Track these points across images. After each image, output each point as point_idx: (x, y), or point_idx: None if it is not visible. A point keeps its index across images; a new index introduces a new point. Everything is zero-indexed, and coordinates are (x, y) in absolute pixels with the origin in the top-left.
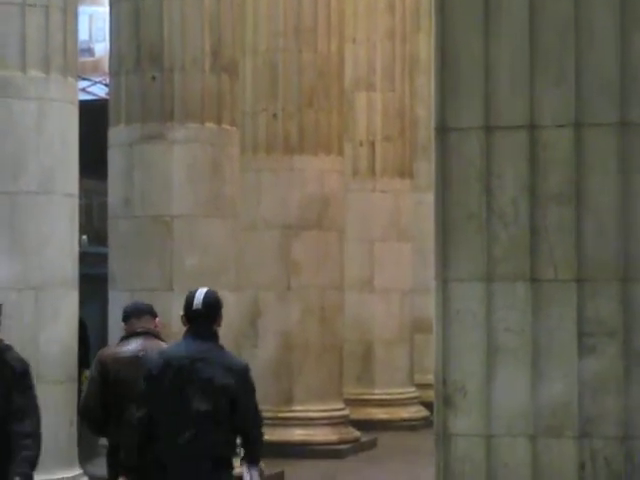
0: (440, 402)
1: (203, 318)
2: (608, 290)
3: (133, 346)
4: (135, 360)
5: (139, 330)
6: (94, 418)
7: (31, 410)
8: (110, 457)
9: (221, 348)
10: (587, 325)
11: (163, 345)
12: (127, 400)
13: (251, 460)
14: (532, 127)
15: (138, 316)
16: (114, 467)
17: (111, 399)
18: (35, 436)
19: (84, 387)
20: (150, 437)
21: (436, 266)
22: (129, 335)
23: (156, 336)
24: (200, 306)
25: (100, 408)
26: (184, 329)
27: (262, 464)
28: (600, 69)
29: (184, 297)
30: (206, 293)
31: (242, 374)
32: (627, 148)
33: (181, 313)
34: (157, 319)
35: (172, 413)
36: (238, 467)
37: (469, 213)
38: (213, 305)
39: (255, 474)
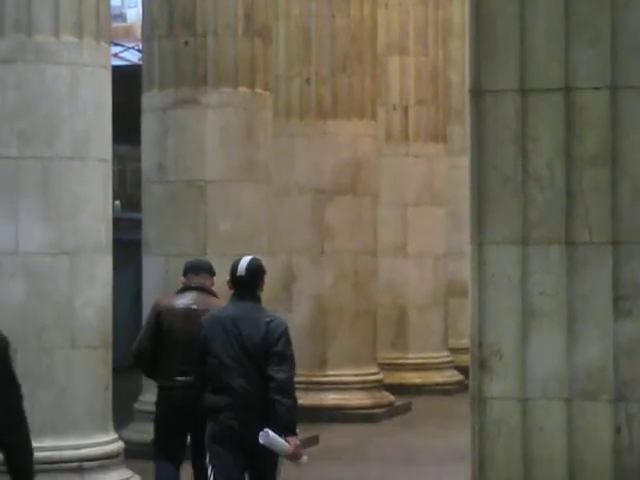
0: (475, 365)
1: (246, 283)
2: None
3: (186, 299)
4: (187, 312)
5: (194, 285)
6: (146, 359)
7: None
8: (159, 397)
9: (262, 309)
10: (622, 288)
11: (214, 300)
12: (177, 346)
13: (284, 427)
14: (567, 89)
15: (196, 272)
16: (161, 406)
17: (162, 345)
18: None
19: None
20: (205, 388)
21: (471, 229)
22: (185, 288)
23: (209, 292)
24: (243, 273)
25: (152, 351)
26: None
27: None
28: (636, 31)
29: (218, 261)
30: (249, 261)
31: (279, 328)
32: None
33: (228, 279)
34: (214, 277)
35: (222, 366)
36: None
37: (505, 176)
38: (255, 272)
39: (271, 435)
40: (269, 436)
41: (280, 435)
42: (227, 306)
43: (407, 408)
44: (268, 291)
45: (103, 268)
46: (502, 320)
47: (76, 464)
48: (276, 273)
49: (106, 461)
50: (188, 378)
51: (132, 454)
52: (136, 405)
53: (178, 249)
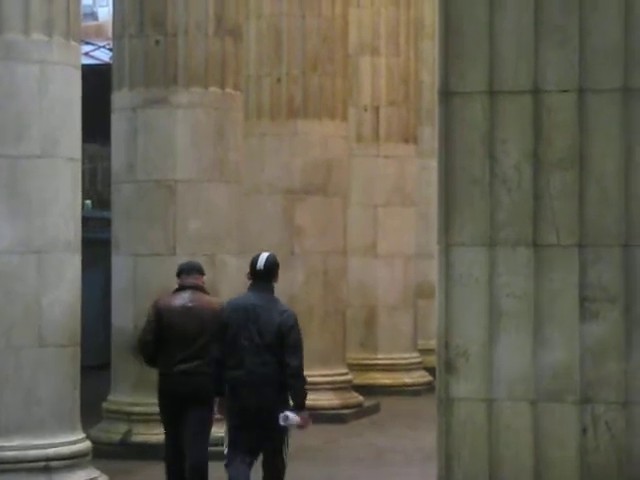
0: (442, 366)
1: (263, 276)
2: (610, 255)
3: (183, 298)
4: (184, 309)
5: (188, 285)
6: (148, 350)
7: None
8: (160, 383)
9: (275, 299)
10: (589, 290)
11: (207, 297)
12: (176, 340)
13: (297, 402)
14: (536, 92)
15: (188, 272)
16: (162, 390)
17: (162, 339)
18: None
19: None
20: (223, 366)
21: (439, 231)
22: (180, 288)
23: (202, 290)
24: (262, 267)
25: (153, 344)
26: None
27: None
28: (604, 35)
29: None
30: (267, 257)
31: (289, 318)
32: (630, 114)
33: (247, 271)
34: (204, 277)
35: (240, 347)
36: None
37: (472, 178)
38: (271, 266)
39: (296, 417)
40: (288, 418)
41: (293, 411)
42: (247, 295)
43: (376, 409)
44: (234, 291)
45: (72, 267)
46: (469, 321)
47: (43, 463)
48: (246, 273)
49: (74, 460)
50: (185, 366)
51: (100, 454)
52: (104, 405)
53: (148, 248)
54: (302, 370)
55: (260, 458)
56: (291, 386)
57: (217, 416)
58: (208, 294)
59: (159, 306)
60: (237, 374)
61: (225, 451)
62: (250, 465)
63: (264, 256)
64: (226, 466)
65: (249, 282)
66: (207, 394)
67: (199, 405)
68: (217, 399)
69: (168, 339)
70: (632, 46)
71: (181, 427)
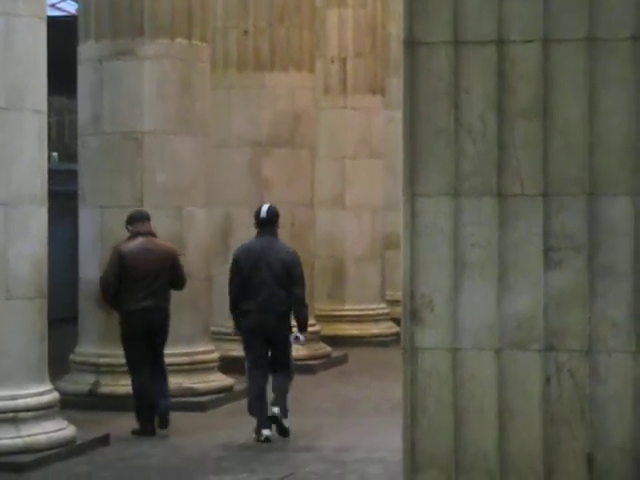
0: (407, 316)
1: (267, 223)
2: (574, 205)
3: (140, 242)
4: (143, 252)
5: (143, 231)
6: (111, 290)
7: None
8: (124, 319)
9: (280, 241)
10: (553, 240)
11: (160, 241)
12: (138, 280)
13: (300, 325)
14: (500, 42)
15: (141, 220)
16: (127, 325)
17: (126, 279)
18: None
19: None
20: (239, 297)
21: (404, 181)
22: (136, 234)
23: (154, 235)
24: (265, 215)
25: (114, 285)
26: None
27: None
28: None
29: (155, 213)
30: (268, 207)
31: (293, 256)
32: (594, 64)
33: (253, 221)
34: (150, 222)
35: (252, 281)
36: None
37: (437, 128)
38: (273, 215)
39: (302, 336)
40: (299, 339)
41: (298, 330)
42: (256, 239)
43: (344, 359)
44: (201, 243)
45: (38, 220)
46: (434, 271)
47: (11, 414)
48: (214, 225)
49: (41, 412)
50: (146, 303)
51: (68, 405)
52: (72, 356)
53: (114, 201)
54: (304, 298)
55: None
56: (297, 311)
57: (235, 337)
58: (157, 237)
59: (120, 250)
60: (252, 303)
61: (245, 365)
62: (265, 373)
63: (266, 207)
64: (248, 374)
65: (256, 230)
66: (167, 329)
67: (162, 340)
68: (235, 323)
69: (131, 279)
70: None
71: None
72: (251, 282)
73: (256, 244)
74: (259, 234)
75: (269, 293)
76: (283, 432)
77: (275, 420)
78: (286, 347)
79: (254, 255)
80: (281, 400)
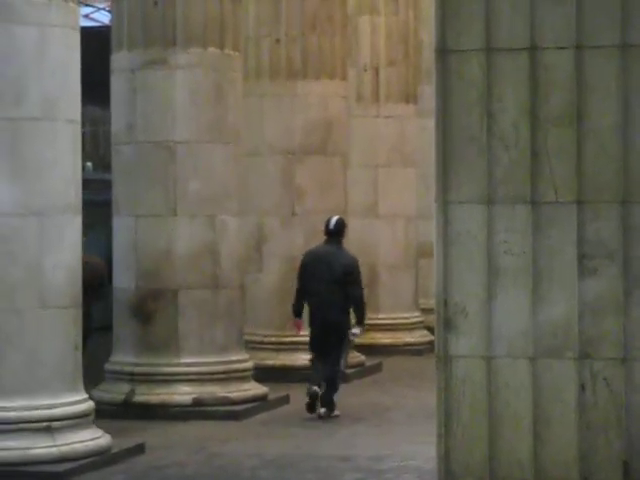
0: (441, 324)
1: (333, 233)
2: (608, 212)
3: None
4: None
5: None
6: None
7: None
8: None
9: (343, 248)
10: (587, 247)
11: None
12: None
13: (358, 320)
14: (533, 49)
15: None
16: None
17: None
18: None
19: None
20: (304, 296)
21: (437, 189)
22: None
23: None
24: (332, 227)
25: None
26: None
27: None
28: None
29: (189, 222)
30: (336, 219)
31: (352, 261)
32: (628, 70)
33: (323, 229)
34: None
35: (316, 281)
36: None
37: (470, 136)
38: (339, 226)
39: (359, 329)
40: (356, 333)
41: (357, 326)
42: (321, 246)
43: (378, 368)
44: (234, 252)
45: (72, 229)
46: (467, 279)
47: (46, 424)
48: (247, 234)
49: (76, 420)
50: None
51: (103, 414)
52: (107, 365)
53: (148, 210)
54: (362, 298)
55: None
56: (355, 309)
57: (300, 332)
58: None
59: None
60: (314, 300)
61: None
62: (325, 362)
63: (334, 219)
64: (310, 362)
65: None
66: None
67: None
68: (297, 318)
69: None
70: (630, 2)
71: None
72: (313, 282)
73: (321, 250)
74: (326, 242)
75: (328, 293)
76: (324, 405)
77: (315, 397)
78: (342, 341)
79: (318, 259)
80: (327, 388)
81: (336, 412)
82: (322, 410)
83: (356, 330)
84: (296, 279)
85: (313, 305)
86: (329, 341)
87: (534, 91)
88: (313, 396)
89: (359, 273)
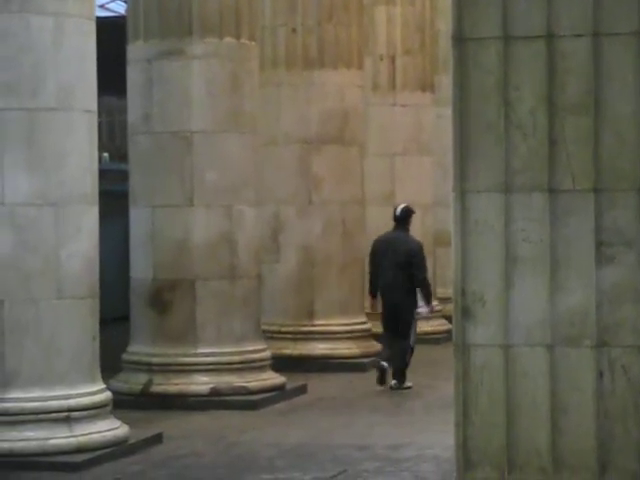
0: (459, 313)
1: (400, 220)
2: (626, 200)
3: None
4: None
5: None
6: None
7: None
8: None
9: (408, 234)
10: (605, 235)
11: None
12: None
13: (426, 300)
14: (550, 37)
15: None
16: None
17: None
18: None
19: None
20: (377, 279)
21: (454, 177)
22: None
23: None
24: (399, 213)
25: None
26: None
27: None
28: None
29: (205, 212)
30: (403, 207)
31: (416, 245)
32: None
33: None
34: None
35: (384, 264)
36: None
37: (487, 124)
38: (405, 214)
39: (425, 309)
40: (422, 312)
41: (423, 305)
42: (389, 232)
43: None
44: (251, 241)
45: (89, 219)
46: (485, 267)
47: (64, 414)
48: (263, 224)
49: (94, 411)
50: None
51: (120, 404)
52: (124, 355)
53: (165, 200)
54: (426, 280)
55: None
56: (420, 290)
57: (374, 311)
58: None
59: None
60: (383, 283)
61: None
62: (394, 339)
63: (400, 207)
64: (380, 340)
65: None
66: None
67: None
68: (373, 299)
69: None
70: None
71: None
72: (382, 267)
73: (388, 236)
74: (394, 228)
75: (394, 275)
76: (395, 377)
77: (384, 371)
78: (409, 320)
79: (385, 245)
80: (398, 362)
81: (407, 384)
82: (393, 382)
83: (422, 309)
84: (369, 264)
85: (382, 288)
86: (398, 320)
87: (551, 79)
88: (382, 370)
89: (423, 257)
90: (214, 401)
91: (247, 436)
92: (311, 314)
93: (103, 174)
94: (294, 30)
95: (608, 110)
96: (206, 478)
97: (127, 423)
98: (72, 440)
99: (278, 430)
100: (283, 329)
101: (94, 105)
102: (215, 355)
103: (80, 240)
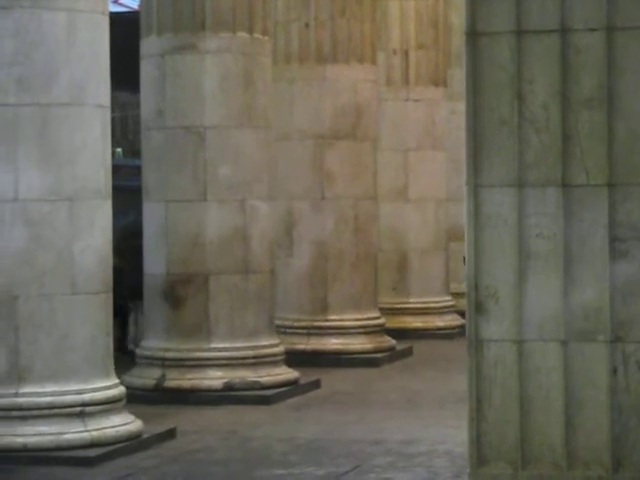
0: (472, 308)
1: None
2: (639, 194)
3: None
4: None
5: None
6: None
7: None
8: None
9: None
10: (618, 229)
11: None
12: None
13: None
14: (563, 31)
15: None
16: None
17: None
18: None
19: None
20: None
21: (467, 172)
22: None
23: None
24: None
25: None
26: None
27: None
28: None
29: (218, 207)
30: None
31: None
32: None
33: None
34: None
35: None
36: None
37: (500, 119)
38: None
39: None
40: None
41: None
42: None
43: (408, 352)
44: (264, 236)
45: (103, 214)
46: (498, 262)
47: (78, 409)
48: (277, 219)
49: (108, 406)
50: None
51: (134, 399)
52: (138, 350)
53: (178, 195)
54: None
55: None
56: None
57: None
58: None
59: None
60: None
61: None
62: None
63: None
64: None
65: None
66: None
67: None
68: None
69: None
70: None
71: None
72: None
73: None
74: None
75: None
76: None
77: None
78: None
79: None
80: None
81: None
82: None
83: None
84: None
85: None
86: None
87: (565, 73)
88: None
89: None
90: (227, 396)
91: (260, 431)
92: (324, 309)
93: (117, 169)
94: (307, 25)
95: (622, 104)
96: (219, 473)
97: (140, 418)
98: (86, 435)
99: (291, 425)
100: (296, 324)
101: (107, 100)
102: (228, 350)
103: (93, 235)
